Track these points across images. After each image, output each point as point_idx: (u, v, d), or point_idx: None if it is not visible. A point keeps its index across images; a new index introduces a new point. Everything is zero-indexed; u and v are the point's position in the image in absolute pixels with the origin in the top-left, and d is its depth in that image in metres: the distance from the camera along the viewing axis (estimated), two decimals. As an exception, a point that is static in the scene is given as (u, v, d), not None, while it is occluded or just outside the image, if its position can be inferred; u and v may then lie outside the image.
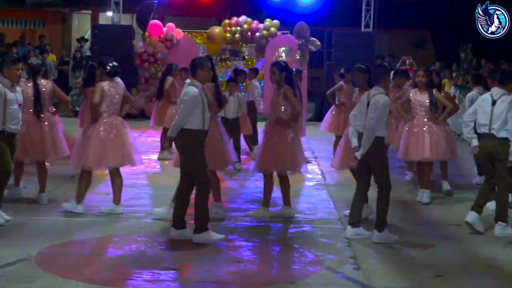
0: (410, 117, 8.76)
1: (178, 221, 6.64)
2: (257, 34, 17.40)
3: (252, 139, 11.57)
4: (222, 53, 17.99)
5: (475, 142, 7.30)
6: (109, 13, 18.99)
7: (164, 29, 17.36)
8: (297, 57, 17.01)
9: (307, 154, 11.83)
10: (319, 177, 10.22)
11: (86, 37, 21.30)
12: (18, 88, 7.03)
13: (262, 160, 7.46)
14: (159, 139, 11.69)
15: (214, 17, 22.81)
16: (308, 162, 11.08)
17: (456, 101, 12.28)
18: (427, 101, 8.60)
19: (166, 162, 10.64)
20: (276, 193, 7.86)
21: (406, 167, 10.20)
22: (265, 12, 19.51)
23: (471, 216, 7.10)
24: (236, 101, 10.54)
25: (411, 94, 8.78)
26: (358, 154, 6.76)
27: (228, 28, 17.58)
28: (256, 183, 9.29)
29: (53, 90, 7.98)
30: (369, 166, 6.77)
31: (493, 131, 7.08)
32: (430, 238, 6.94)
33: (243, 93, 11.76)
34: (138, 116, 17.03)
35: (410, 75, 10.79)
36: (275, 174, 7.62)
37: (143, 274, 5.61)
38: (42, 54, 18.23)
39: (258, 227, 7.27)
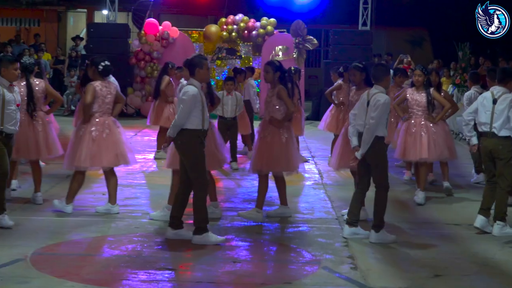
0: (407, 117, 8.72)
1: (175, 221, 6.60)
2: (254, 32, 17.36)
3: (252, 139, 11.54)
4: (219, 51, 17.95)
5: (474, 141, 7.28)
6: (105, 12, 18.94)
7: (160, 27, 17.31)
8: (294, 56, 16.98)
9: (304, 153, 11.83)
10: (316, 176, 10.19)
11: (81, 35, 21.25)
12: (16, 89, 6.97)
13: (256, 160, 7.39)
14: (155, 139, 11.65)
15: (210, 16, 22.78)
16: (306, 161, 11.06)
17: (454, 99, 12.26)
18: (425, 100, 8.56)
19: (163, 161, 10.58)
20: (273, 192, 7.83)
21: (405, 166, 10.17)
22: (262, 10, 19.50)
23: (480, 221, 7.09)
24: (234, 100, 10.50)
25: (408, 94, 8.74)
26: (358, 154, 6.72)
27: (225, 27, 17.54)
28: (253, 183, 9.25)
29: (46, 89, 7.93)
30: (369, 166, 6.73)
31: (494, 130, 7.05)
32: (428, 238, 6.92)
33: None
34: (134, 115, 16.99)
35: (409, 73, 10.76)
36: (270, 174, 7.56)
37: (139, 274, 5.58)
38: (37, 53, 18.18)
39: (255, 226, 7.23)
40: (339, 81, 10.69)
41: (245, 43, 17.83)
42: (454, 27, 21.06)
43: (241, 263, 6.04)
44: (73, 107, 16.85)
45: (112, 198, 7.51)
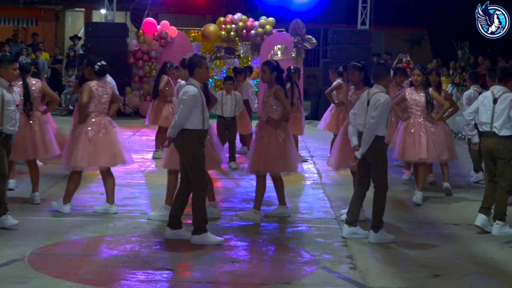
0: (406, 117, 8.70)
1: (174, 221, 6.58)
2: (252, 32, 17.33)
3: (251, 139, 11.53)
4: (217, 51, 17.91)
5: (476, 139, 7.28)
6: (103, 11, 18.90)
7: (159, 26, 17.28)
8: (293, 55, 16.96)
9: (303, 153, 11.81)
10: (315, 176, 10.17)
11: (79, 35, 21.21)
12: (15, 89, 6.95)
13: (254, 161, 7.34)
14: (153, 138, 11.63)
15: (209, 15, 22.75)
16: (304, 161, 11.04)
17: (453, 98, 12.23)
18: (423, 100, 8.53)
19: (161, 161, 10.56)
20: (272, 192, 7.80)
21: (404, 166, 10.14)
22: (261, 9, 19.47)
23: (481, 219, 7.07)
24: (233, 100, 10.47)
25: (407, 93, 8.72)
26: (358, 154, 6.70)
27: (223, 26, 17.51)
28: (251, 182, 9.22)
29: (42, 89, 7.91)
30: (369, 165, 6.70)
31: (494, 129, 7.04)
32: (428, 238, 6.90)
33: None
34: (132, 114, 16.96)
35: (408, 73, 10.74)
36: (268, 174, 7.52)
37: (137, 275, 5.56)
38: (35, 52, 18.14)
39: (253, 226, 7.21)
40: (339, 81, 10.66)
41: (244, 42, 17.80)
42: (453, 26, 21.05)
43: (239, 263, 6.02)
44: (71, 107, 16.81)
45: (110, 198, 7.49)
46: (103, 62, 7.37)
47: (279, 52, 16.96)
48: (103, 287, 5.34)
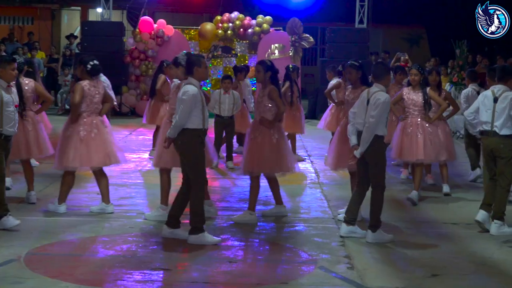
0: (404, 117, 8.67)
1: (172, 220, 6.55)
2: (250, 30, 17.30)
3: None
4: (214, 50, 17.87)
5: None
6: (99, 10, 18.85)
7: (155, 25, 17.24)
8: (290, 54, 16.93)
9: (301, 152, 11.78)
10: (313, 175, 10.14)
11: (75, 34, 21.15)
12: (14, 89, 6.90)
13: (247, 162, 7.29)
14: (150, 138, 11.59)
15: (205, 13, 22.71)
16: (301, 160, 11.00)
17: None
18: (421, 100, 8.50)
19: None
20: (269, 191, 7.76)
21: (402, 165, 10.11)
22: (258, 8, 19.45)
23: (481, 215, 7.06)
24: (231, 99, 10.43)
25: (404, 93, 8.68)
26: (357, 153, 6.66)
27: (220, 25, 17.48)
28: (249, 182, 9.17)
29: (35, 89, 7.87)
30: (367, 164, 6.66)
31: (495, 129, 7.03)
32: (426, 237, 6.88)
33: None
34: (129, 114, 16.92)
35: (406, 71, 10.71)
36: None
37: (134, 275, 5.53)
38: (31, 51, 18.08)
39: (250, 226, 7.18)
40: (338, 79, 10.60)
41: (241, 41, 17.77)
42: (452, 25, 21.05)
43: (237, 263, 5.99)
44: (67, 106, 16.76)
45: (105, 197, 7.45)
46: (95, 62, 7.31)
47: (276, 51, 16.94)
48: (99, 287, 5.32)
